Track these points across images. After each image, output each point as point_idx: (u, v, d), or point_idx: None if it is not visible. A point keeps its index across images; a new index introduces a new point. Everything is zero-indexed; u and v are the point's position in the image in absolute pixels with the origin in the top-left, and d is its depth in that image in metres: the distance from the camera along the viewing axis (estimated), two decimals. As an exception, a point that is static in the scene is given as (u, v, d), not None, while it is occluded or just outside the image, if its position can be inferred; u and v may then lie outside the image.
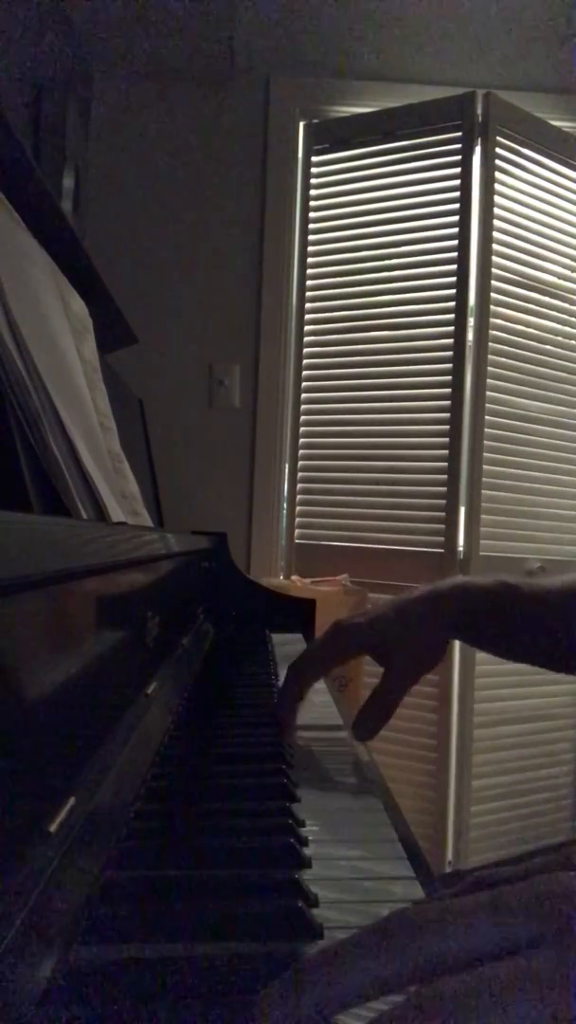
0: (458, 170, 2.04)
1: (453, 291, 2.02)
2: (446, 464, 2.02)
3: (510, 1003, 0.23)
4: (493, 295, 2.03)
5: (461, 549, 2.01)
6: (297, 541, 2.21)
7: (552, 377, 2.12)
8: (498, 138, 2.04)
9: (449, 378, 2.03)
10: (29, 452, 0.58)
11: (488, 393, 2.03)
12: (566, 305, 2.19)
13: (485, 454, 2.02)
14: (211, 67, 2.12)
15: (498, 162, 2.05)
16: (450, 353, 2.03)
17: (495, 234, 2.04)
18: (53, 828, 0.37)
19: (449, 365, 2.03)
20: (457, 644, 2.06)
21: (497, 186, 2.05)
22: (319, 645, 0.73)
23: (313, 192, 2.24)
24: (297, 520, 2.22)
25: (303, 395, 2.24)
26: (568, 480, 2.17)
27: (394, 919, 0.27)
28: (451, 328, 2.03)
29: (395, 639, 0.71)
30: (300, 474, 2.22)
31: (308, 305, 2.23)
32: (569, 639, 0.73)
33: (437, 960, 0.25)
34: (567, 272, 2.20)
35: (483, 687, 2.01)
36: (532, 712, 2.09)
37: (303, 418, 2.23)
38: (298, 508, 2.22)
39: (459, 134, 2.05)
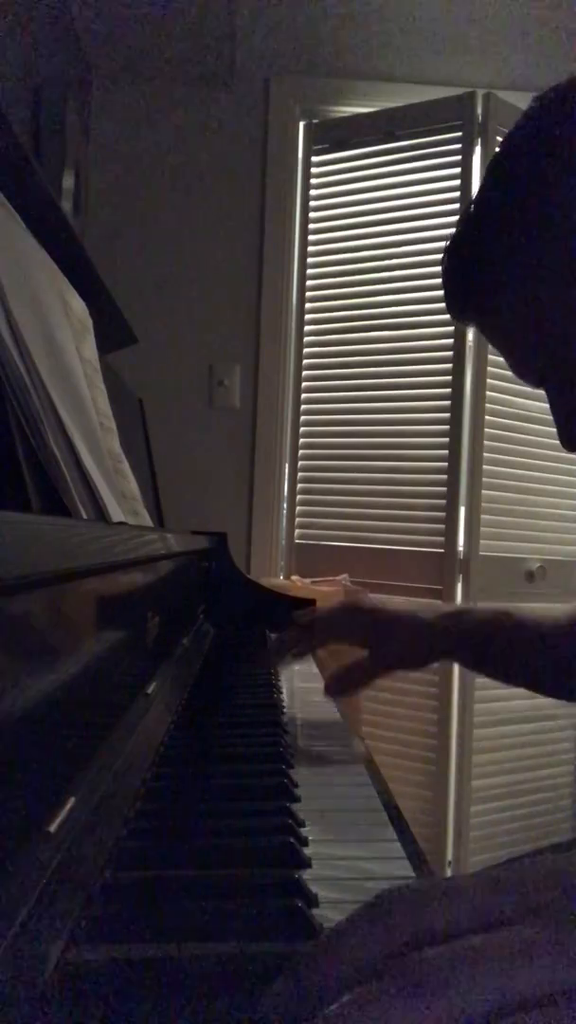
0: (458, 170, 2.04)
1: (453, 291, 2.01)
2: (446, 464, 2.02)
3: (491, 972, 0.24)
4: (493, 295, 2.03)
5: (461, 549, 2.01)
6: (297, 541, 2.21)
7: (552, 377, 2.11)
8: (498, 138, 2.04)
9: (449, 378, 2.03)
10: (29, 452, 0.58)
11: (488, 393, 2.03)
12: (566, 305, 2.18)
13: (485, 454, 2.02)
14: (211, 67, 2.12)
15: (498, 162, 2.05)
16: (450, 353, 2.03)
17: (495, 234, 2.03)
18: (53, 828, 0.37)
19: (449, 365, 2.03)
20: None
21: (497, 186, 2.04)
22: (330, 614, 0.81)
23: (313, 192, 2.24)
24: (297, 520, 2.22)
25: (303, 395, 2.24)
26: (568, 480, 2.16)
27: (386, 897, 0.27)
28: (451, 328, 2.03)
29: (388, 632, 0.77)
30: (300, 474, 2.22)
31: (308, 305, 2.23)
32: (566, 667, 0.76)
33: (430, 936, 0.26)
34: (567, 272, 2.20)
35: (483, 687, 2.01)
36: (532, 712, 2.09)
37: (303, 418, 2.23)
38: (298, 508, 2.22)
39: (459, 134, 2.05)
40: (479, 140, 2.04)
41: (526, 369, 0.62)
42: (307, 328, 2.23)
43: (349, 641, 0.81)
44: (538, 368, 0.61)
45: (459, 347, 2.02)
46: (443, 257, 0.64)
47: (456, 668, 2.02)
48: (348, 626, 0.81)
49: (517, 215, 0.57)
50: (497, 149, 0.60)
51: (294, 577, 2.03)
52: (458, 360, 2.02)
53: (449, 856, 2.02)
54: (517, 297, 0.58)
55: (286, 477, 2.24)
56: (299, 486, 2.22)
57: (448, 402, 2.02)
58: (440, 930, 0.26)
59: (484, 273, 0.60)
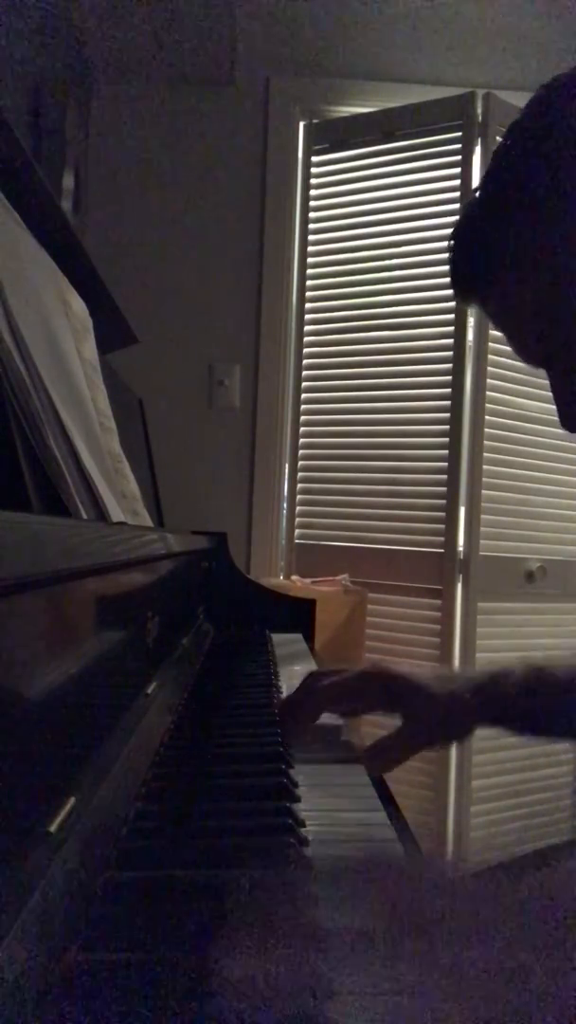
0: (458, 170, 2.04)
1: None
2: (446, 464, 2.02)
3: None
4: (493, 295, 2.03)
5: (461, 549, 2.01)
6: (297, 541, 2.21)
7: (552, 377, 2.11)
8: (498, 138, 2.04)
9: (449, 378, 2.03)
10: (29, 452, 0.58)
11: (488, 393, 2.03)
12: (566, 305, 2.18)
13: (485, 454, 2.02)
14: (211, 67, 2.12)
15: (498, 162, 2.05)
16: (450, 353, 2.03)
17: (495, 234, 2.03)
18: (53, 828, 0.37)
19: (449, 365, 2.03)
20: (457, 640, 2.05)
21: (497, 186, 2.04)
22: (352, 678, 0.71)
23: (313, 192, 2.24)
24: (297, 520, 2.22)
25: (303, 395, 2.24)
26: (568, 480, 2.16)
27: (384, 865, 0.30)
28: (451, 328, 2.03)
29: (422, 710, 0.69)
30: (300, 474, 2.22)
31: (308, 305, 2.23)
32: None
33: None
34: (567, 272, 2.20)
35: (483, 687, 2.01)
36: (532, 712, 2.08)
37: (303, 418, 2.23)
38: (298, 508, 2.22)
39: (459, 134, 2.05)
40: (479, 140, 2.04)
41: (528, 350, 0.63)
42: (307, 328, 2.23)
43: (372, 711, 0.73)
44: (540, 349, 0.61)
45: (459, 347, 2.02)
46: (450, 236, 0.65)
47: (455, 665, 2.02)
48: (375, 700, 0.72)
49: (522, 197, 0.57)
50: (504, 132, 0.60)
51: (294, 577, 2.03)
52: (458, 360, 2.02)
53: (449, 856, 2.02)
54: (520, 278, 0.59)
55: (286, 477, 2.24)
56: (299, 486, 2.22)
57: (448, 402, 2.02)
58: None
59: (489, 253, 0.61)
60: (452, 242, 0.65)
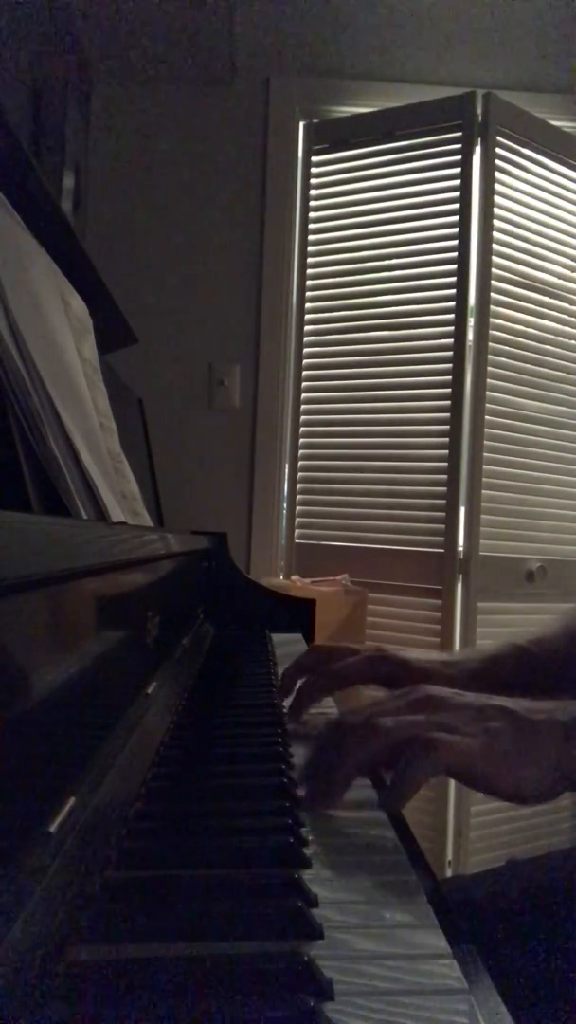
0: (458, 170, 2.04)
1: (453, 291, 2.02)
2: (446, 464, 2.02)
3: None
4: (493, 295, 2.03)
5: (461, 549, 2.01)
6: (297, 541, 2.21)
7: (552, 377, 2.12)
8: (498, 138, 2.04)
9: (449, 378, 2.03)
10: (29, 452, 0.58)
11: (488, 393, 2.03)
12: (566, 305, 2.19)
13: (485, 454, 2.02)
14: (211, 67, 2.12)
15: (498, 162, 2.05)
16: (450, 353, 2.03)
17: (495, 234, 2.04)
18: (53, 828, 0.37)
19: (449, 365, 2.03)
20: (457, 640, 2.05)
21: (497, 186, 2.05)
22: (354, 663, 0.76)
23: (313, 192, 2.24)
24: (297, 520, 2.22)
25: (303, 395, 2.24)
26: (568, 480, 2.17)
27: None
28: (451, 328, 2.03)
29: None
30: (300, 474, 2.22)
31: (308, 305, 2.23)
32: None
33: None
34: (567, 272, 2.20)
35: (483, 687, 2.01)
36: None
37: (303, 418, 2.23)
38: (298, 508, 2.22)
39: (459, 134, 2.05)
40: (479, 140, 2.04)
41: None
42: (307, 328, 2.23)
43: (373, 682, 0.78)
44: None
45: (459, 347, 2.02)
46: None
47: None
48: (376, 677, 0.77)
49: None
50: None
51: (294, 577, 2.03)
52: (458, 360, 2.02)
53: (449, 856, 2.02)
54: None
55: (286, 477, 2.24)
56: (299, 486, 2.22)
57: (448, 402, 2.02)
58: None
59: None
60: None
